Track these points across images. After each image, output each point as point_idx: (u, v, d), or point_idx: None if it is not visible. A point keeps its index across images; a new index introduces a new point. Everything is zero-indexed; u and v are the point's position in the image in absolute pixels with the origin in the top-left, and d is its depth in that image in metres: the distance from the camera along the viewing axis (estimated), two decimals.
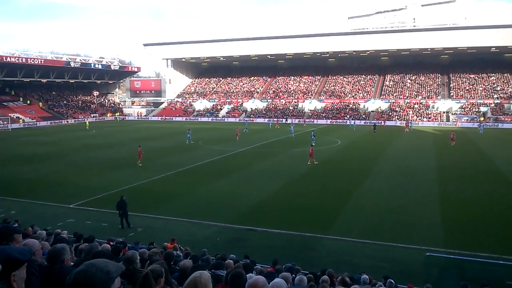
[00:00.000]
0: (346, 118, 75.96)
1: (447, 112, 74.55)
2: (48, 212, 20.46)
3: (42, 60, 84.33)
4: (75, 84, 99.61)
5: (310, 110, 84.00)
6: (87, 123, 72.07)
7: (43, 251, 5.62)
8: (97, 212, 20.52)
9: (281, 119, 76.63)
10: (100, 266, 2.34)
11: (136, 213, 19.44)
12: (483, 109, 73.10)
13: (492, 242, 15.80)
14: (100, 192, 23.96)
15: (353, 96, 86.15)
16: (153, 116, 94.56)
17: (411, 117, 73.63)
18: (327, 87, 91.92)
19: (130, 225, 18.12)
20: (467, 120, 69.81)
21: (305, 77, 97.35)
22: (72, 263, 5.23)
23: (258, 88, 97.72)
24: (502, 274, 12.57)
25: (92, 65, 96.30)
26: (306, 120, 76.83)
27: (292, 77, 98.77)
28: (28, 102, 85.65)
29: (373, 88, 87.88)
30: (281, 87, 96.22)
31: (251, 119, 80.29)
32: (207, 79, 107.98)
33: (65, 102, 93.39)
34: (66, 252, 4.41)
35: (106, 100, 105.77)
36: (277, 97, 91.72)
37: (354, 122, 69.34)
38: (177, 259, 8.55)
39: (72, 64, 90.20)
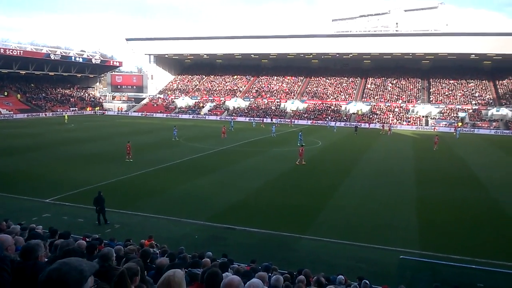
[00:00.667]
0: (327, 119, 76.31)
1: (426, 116, 75.82)
2: (23, 206, 20.07)
3: (21, 52, 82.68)
4: (55, 77, 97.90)
5: (292, 110, 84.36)
6: (66, 116, 70.90)
7: (17, 247, 5.53)
8: (73, 207, 20.23)
9: (265, 119, 76.63)
10: (74, 264, 2.33)
11: (114, 209, 19.23)
12: (461, 114, 74.58)
13: (466, 245, 16.14)
14: (78, 187, 23.62)
15: (335, 98, 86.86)
16: (134, 111, 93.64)
17: (391, 120, 74.72)
18: (309, 88, 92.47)
19: (107, 221, 17.92)
20: (446, 125, 71.10)
21: (288, 78, 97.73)
22: (46, 259, 5.15)
23: (241, 87, 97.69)
24: (474, 276, 12.87)
25: (73, 58, 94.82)
26: (292, 120, 77.01)
27: (275, 77, 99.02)
28: (6, 93, 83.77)
29: (354, 91, 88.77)
30: (264, 86, 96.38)
31: (233, 117, 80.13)
32: (190, 76, 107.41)
33: (44, 95, 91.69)
34: (40, 249, 4.34)
35: (86, 94, 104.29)
36: (260, 97, 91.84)
37: (335, 124, 69.90)
38: (153, 256, 8.51)
39: (52, 57, 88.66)
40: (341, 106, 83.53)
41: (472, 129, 68.48)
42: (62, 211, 19.53)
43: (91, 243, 7.69)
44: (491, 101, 77.47)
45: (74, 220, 18.17)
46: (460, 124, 70.72)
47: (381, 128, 65.83)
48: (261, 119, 76.20)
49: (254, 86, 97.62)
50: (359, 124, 71.00)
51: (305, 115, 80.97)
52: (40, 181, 25.37)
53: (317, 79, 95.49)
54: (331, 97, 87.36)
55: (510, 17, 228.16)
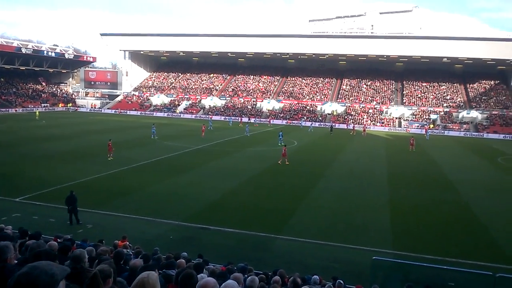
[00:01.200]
0: (302, 119, 76.61)
1: (400, 118, 77.25)
2: None
3: None
4: (26, 71, 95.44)
5: (268, 110, 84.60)
6: (37, 113, 69.29)
7: None
8: (45, 206, 19.73)
9: (244, 118, 76.57)
10: (44, 268, 2.26)
11: (86, 209, 18.85)
12: (433, 116, 76.30)
13: (438, 246, 16.50)
14: (49, 186, 23.06)
15: (310, 98, 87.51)
16: (107, 108, 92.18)
17: (365, 121, 75.86)
18: (285, 88, 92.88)
19: (80, 221, 17.54)
20: (418, 126, 72.60)
21: (264, 77, 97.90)
22: (16, 261, 5.00)
23: (217, 86, 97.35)
24: (445, 276, 13.16)
25: (45, 52, 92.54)
26: (271, 120, 77.13)
27: (252, 76, 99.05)
28: None
29: (330, 91, 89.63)
30: (240, 85, 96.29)
31: (210, 116, 79.82)
32: (165, 73, 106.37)
33: (14, 90, 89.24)
34: (10, 251, 4.22)
35: (59, 90, 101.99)
36: (236, 96, 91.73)
37: (312, 124, 70.45)
38: (127, 257, 8.38)
39: (24, 50, 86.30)
40: (316, 107, 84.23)
41: (442, 131, 70.28)
42: (33, 210, 19.03)
43: (65, 244, 7.51)
44: (462, 104, 79.50)
45: (45, 220, 17.73)
46: (432, 126, 72.42)
47: (352, 129, 66.75)
48: (239, 118, 76.15)
49: (231, 85, 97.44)
50: (334, 124, 71.83)
51: (281, 115, 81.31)
52: (10, 179, 24.66)
53: (293, 79, 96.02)
54: (307, 97, 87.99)
55: (482, 22, 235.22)
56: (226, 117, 78.22)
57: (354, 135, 60.36)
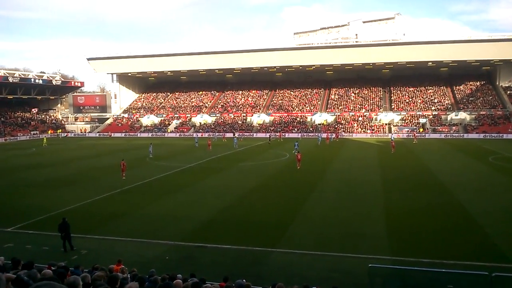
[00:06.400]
0: (293, 130, 77.05)
1: (389, 124, 77.82)
2: None
3: None
4: (14, 100, 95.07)
5: (258, 124, 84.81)
6: (45, 139, 69.47)
7: None
8: (38, 235, 19.49)
9: (238, 133, 76.91)
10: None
11: (80, 235, 18.65)
12: (422, 120, 77.03)
13: (434, 248, 16.51)
14: (41, 213, 22.80)
15: (300, 110, 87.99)
16: (98, 132, 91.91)
17: (355, 128, 76.37)
18: (275, 101, 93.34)
19: (74, 247, 17.34)
20: (408, 131, 73.16)
21: (253, 92, 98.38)
22: None
23: (207, 103, 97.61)
24: (443, 279, 13.15)
25: (32, 80, 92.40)
26: (275, 134, 77.28)
27: (240, 92, 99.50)
28: None
29: (319, 102, 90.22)
30: (230, 101, 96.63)
31: (201, 133, 79.83)
32: (154, 94, 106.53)
33: (2, 119, 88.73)
34: (2, 283, 4.18)
35: (48, 117, 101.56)
36: (226, 112, 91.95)
37: (320, 135, 71.71)
38: (123, 281, 8.28)
39: (11, 79, 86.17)
40: (306, 118, 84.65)
41: (424, 134, 71.10)
42: (26, 239, 18.78)
43: (59, 272, 7.43)
44: (449, 106, 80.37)
45: (39, 248, 17.51)
46: (421, 129, 73.19)
47: (326, 138, 65.66)
48: (240, 133, 76.47)
49: (220, 101, 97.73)
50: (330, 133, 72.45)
51: (272, 128, 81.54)
52: (1, 209, 24.36)
53: (282, 92, 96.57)
54: (297, 109, 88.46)
55: (462, 25, 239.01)
56: (216, 133, 78.52)
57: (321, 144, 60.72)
